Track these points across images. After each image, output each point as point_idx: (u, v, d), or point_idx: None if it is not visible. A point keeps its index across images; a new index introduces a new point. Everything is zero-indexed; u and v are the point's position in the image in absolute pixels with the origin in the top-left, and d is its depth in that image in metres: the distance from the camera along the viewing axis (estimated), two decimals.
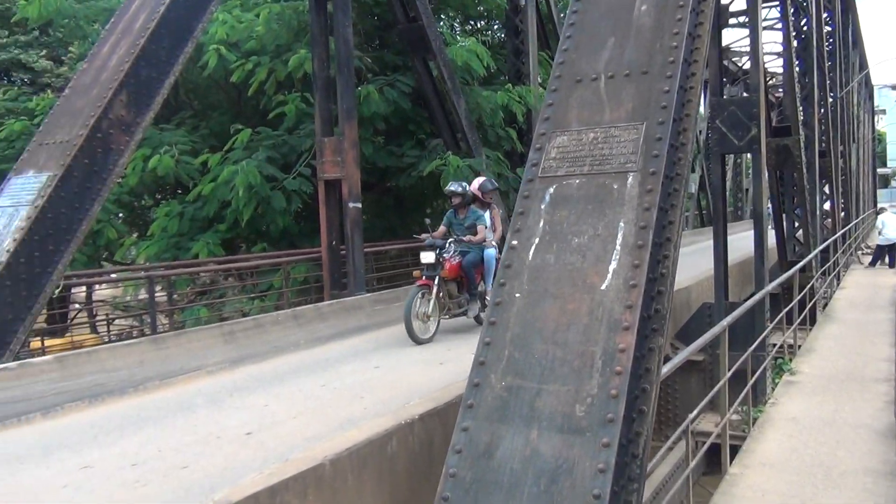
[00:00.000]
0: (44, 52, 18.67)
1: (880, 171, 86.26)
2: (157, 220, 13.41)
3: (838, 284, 16.23)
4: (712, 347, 8.26)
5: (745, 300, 11.34)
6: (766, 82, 10.78)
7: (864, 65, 28.79)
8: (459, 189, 8.51)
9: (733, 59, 31.57)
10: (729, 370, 6.60)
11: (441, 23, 16.42)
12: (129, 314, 13.60)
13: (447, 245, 8.18)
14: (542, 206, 4.08)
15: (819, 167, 16.09)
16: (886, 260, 19.06)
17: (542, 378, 3.52)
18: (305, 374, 6.86)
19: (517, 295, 3.83)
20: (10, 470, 4.52)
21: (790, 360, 9.24)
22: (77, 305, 14.66)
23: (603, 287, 3.66)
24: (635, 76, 4.32)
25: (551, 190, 4.13)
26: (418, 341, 7.70)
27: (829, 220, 17.18)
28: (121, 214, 15.57)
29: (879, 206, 22.99)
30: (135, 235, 16.24)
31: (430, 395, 4.53)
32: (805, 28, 12.29)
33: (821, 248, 12.74)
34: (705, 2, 4.91)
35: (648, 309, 3.83)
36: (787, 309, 8.73)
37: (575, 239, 3.88)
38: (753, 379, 6.70)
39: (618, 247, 3.76)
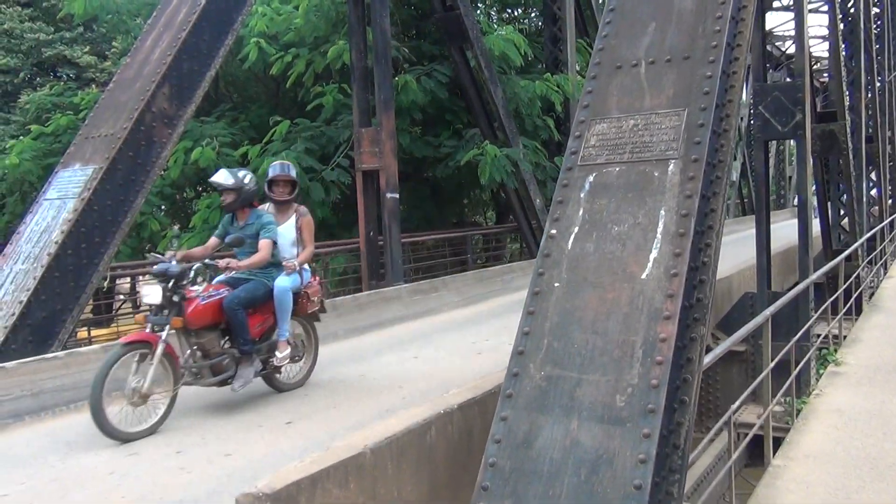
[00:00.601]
0: (88, 47, 19.05)
1: None
2: (199, 212, 13.60)
3: (885, 273, 15.82)
4: (754, 338, 8.15)
5: (789, 290, 11.16)
6: (811, 67, 10.51)
7: None
8: (230, 182, 5.67)
9: (776, 44, 30.87)
10: (772, 361, 6.49)
11: (478, 11, 16.32)
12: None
13: (190, 272, 5.35)
14: (582, 195, 4.04)
15: (866, 153, 15.68)
16: None
17: (581, 368, 3.49)
18: (344, 364, 6.92)
19: (556, 284, 3.80)
20: (60, 456, 4.65)
21: (835, 350, 9.04)
22: (122, 297, 15.02)
23: (643, 276, 3.62)
24: (677, 61, 4.25)
25: (591, 178, 4.08)
26: (118, 437, 4.73)
27: (877, 207, 16.73)
28: (163, 207, 15.84)
29: None
30: (177, 227, 16.51)
31: (468, 384, 4.52)
32: (852, 10, 11.94)
33: (867, 236, 12.42)
34: None
35: (690, 298, 3.77)
36: (832, 299, 8.53)
37: (615, 227, 3.84)
38: (797, 370, 6.57)
39: (658, 235, 3.71)
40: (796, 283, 11.99)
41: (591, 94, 4.41)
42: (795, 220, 12.03)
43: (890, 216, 17.95)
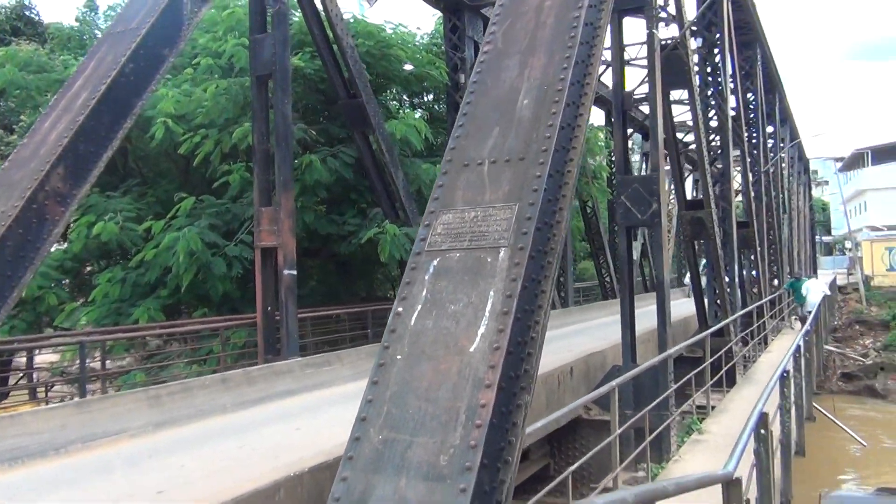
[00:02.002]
0: None
1: (825, 238, 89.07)
2: (100, 286, 13.61)
3: (765, 348, 16.94)
4: (622, 407, 8.74)
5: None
6: (678, 158, 11.59)
7: (795, 139, 30.43)
8: None
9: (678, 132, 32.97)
10: (634, 429, 7.08)
11: (389, 93, 17.15)
12: (66, 380, 13.63)
13: None
14: (426, 277, 4.55)
15: (741, 237, 17.01)
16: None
17: (413, 431, 3.92)
18: (227, 436, 7.13)
19: (398, 357, 4.25)
20: None
21: (700, 420, 9.74)
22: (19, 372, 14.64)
23: (471, 349, 4.11)
24: (514, 162, 4.88)
25: (435, 262, 4.60)
26: None
27: (756, 287, 18.00)
28: (66, 281, 15.69)
29: (797, 272, 23.93)
30: (80, 302, 16.31)
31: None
32: (716, 110, 13.26)
33: (740, 314, 13.42)
34: (585, 96, 5.55)
35: (518, 369, 4.28)
36: (694, 372, 9.25)
37: (451, 306, 4.34)
38: (652, 437, 7.13)
39: (487, 313, 4.22)
40: (679, 357, 12.83)
41: (442, 187, 4.98)
42: (685, 299, 12.87)
43: (770, 295, 19.30)
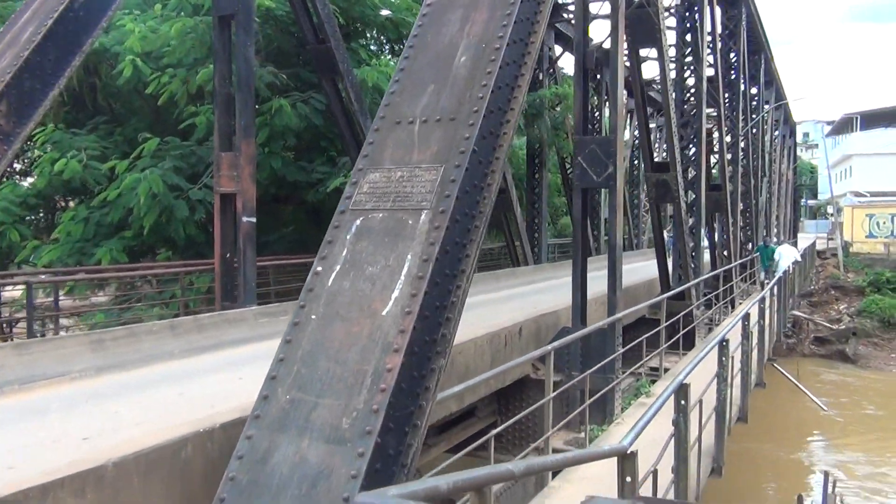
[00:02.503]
0: None
1: (811, 202, 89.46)
2: (62, 224, 13.49)
3: (732, 311, 17.08)
4: (569, 368, 8.82)
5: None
6: (646, 119, 11.45)
7: (781, 102, 30.25)
8: None
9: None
10: (581, 391, 7.17)
11: (363, 42, 16.81)
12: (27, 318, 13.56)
13: None
14: (348, 237, 4.49)
15: (712, 200, 17.00)
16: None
17: (320, 393, 3.91)
18: (169, 383, 7.11)
19: (313, 317, 4.22)
20: None
21: (652, 382, 9.85)
22: None
23: (384, 313, 4.08)
24: (445, 122, 4.78)
25: (358, 222, 4.54)
26: None
27: (726, 251, 18.07)
28: (30, 217, 15.52)
29: (765, 238, 23.99)
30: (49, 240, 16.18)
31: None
32: (691, 70, 13.10)
33: (702, 278, 13.49)
34: (528, 55, 5.42)
35: (434, 333, 4.27)
36: (646, 335, 9.32)
37: (369, 268, 4.30)
38: (592, 399, 7.20)
39: (402, 277, 4.18)
40: (640, 318, 12.92)
41: (372, 145, 4.88)
42: (648, 262, 12.89)
43: (741, 259, 19.39)
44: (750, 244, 22.95)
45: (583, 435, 8.05)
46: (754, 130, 24.19)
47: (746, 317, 8.91)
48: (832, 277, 40.11)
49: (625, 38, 9.30)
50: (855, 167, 63.22)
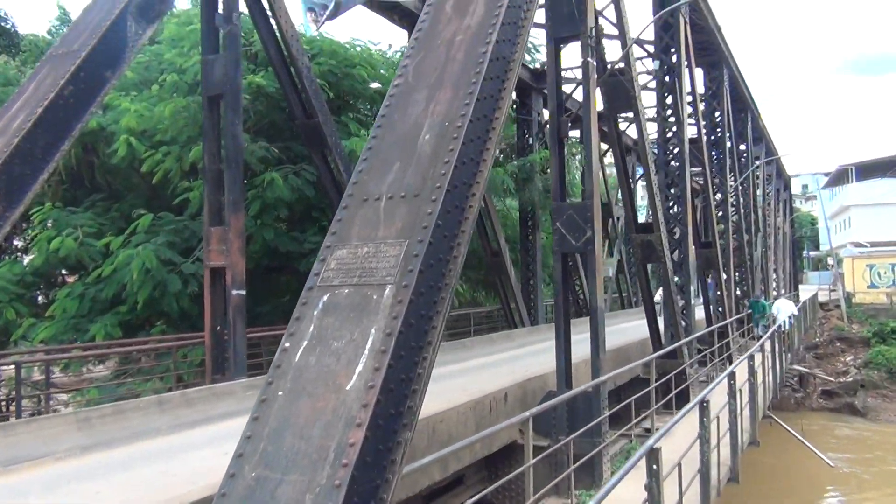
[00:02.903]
0: None
1: (813, 253, 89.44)
2: (58, 301, 13.63)
3: (731, 366, 17.00)
4: (556, 433, 8.80)
5: (618, 386, 11.97)
6: (628, 181, 11.69)
7: (770, 157, 30.68)
8: None
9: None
10: (567, 456, 7.16)
11: (353, 113, 17.24)
12: (25, 395, 13.62)
13: None
14: (315, 313, 4.60)
15: (703, 258, 17.15)
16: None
17: (286, 469, 3.96)
18: (154, 460, 7.13)
19: (280, 393, 4.30)
20: None
21: (640, 444, 9.78)
22: None
23: (348, 387, 4.16)
24: (409, 198, 4.95)
25: (325, 298, 4.66)
26: None
27: (721, 307, 18.12)
28: (27, 295, 15.68)
29: (756, 294, 23.90)
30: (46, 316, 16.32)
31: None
32: (672, 132, 13.40)
33: (695, 335, 13.51)
34: (493, 131, 5.63)
35: (400, 406, 4.34)
36: (635, 397, 9.32)
37: (335, 343, 4.39)
38: (577, 464, 7.18)
39: (366, 351, 4.28)
40: (635, 378, 12.88)
41: (340, 222, 5.04)
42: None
43: (737, 315, 19.40)
44: (746, 299, 22.95)
45: (570, 501, 8.01)
46: (744, 186, 24.49)
47: (732, 375, 8.93)
48: (836, 329, 39.91)
49: (601, 104, 9.59)
50: (854, 218, 63.44)
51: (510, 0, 5.99)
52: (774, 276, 33.92)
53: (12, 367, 14.65)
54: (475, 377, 11.04)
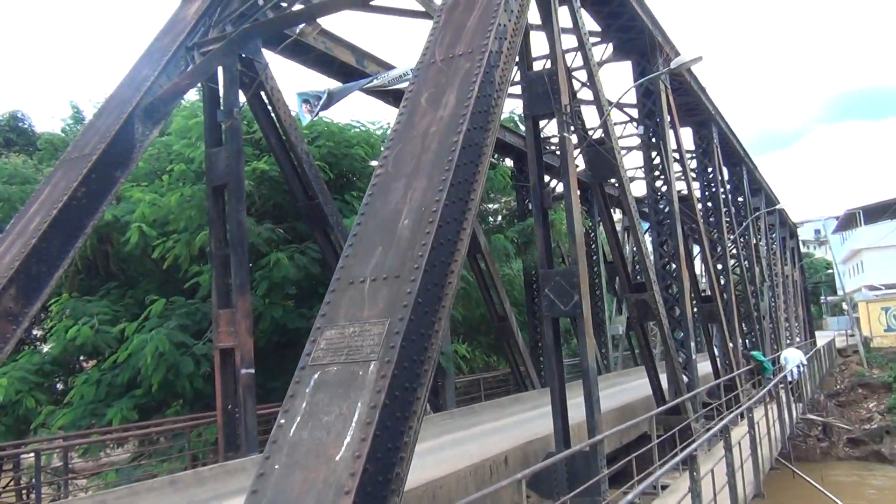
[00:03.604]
0: None
1: (831, 298, 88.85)
2: (76, 388, 14.05)
3: (741, 421, 17.08)
4: (558, 493, 9.01)
5: (620, 447, 12.15)
6: (618, 244, 12.13)
7: (772, 208, 31.11)
8: None
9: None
10: None
11: (354, 192, 17.89)
12: (44, 482, 13.93)
13: None
14: (307, 390, 5.01)
15: (705, 312, 17.42)
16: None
17: None
18: None
19: (276, 466, 4.68)
20: None
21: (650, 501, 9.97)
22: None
23: (337, 458, 4.54)
24: (390, 279, 5.40)
25: (316, 376, 5.07)
26: None
27: (728, 360, 18.25)
28: (46, 383, 16.12)
29: (779, 342, 23.94)
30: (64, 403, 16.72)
31: None
32: (663, 204, 13.91)
33: (698, 391, 13.70)
34: (468, 212, 6.11)
35: (388, 473, 4.71)
36: (634, 455, 9.54)
37: (325, 417, 4.79)
38: None
39: (353, 423, 4.66)
40: (644, 436, 13.04)
41: (329, 304, 5.49)
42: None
43: (742, 369, 19.49)
44: (760, 351, 23.00)
45: None
46: (745, 238, 24.85)
47: (726, 428, 9.16)
48: (857, 375, 39.53)
49: (582, 172, 10.05)
50: (866, 261, 63.29)
51: (479, 90, 6.55)
52: (787, 324, 33.88)
53: (32, 455, 15.13)
54: (482, 442, 11.28)
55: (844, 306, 58.14)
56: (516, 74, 9.34)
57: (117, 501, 8.07)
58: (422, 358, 5.21)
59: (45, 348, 17.23)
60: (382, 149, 6.58)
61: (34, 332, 18.93)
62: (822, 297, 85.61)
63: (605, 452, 8.98)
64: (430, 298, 5.41)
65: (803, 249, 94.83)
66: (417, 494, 7.24)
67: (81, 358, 16.63)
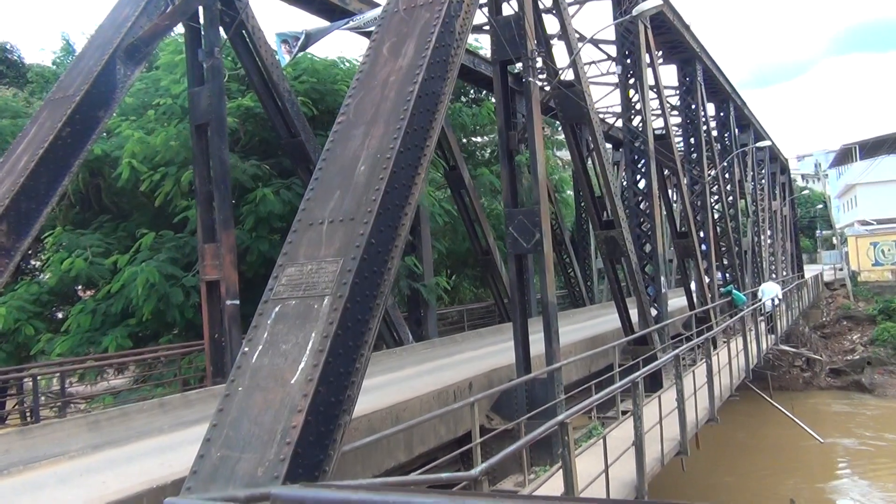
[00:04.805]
0: None
1: (825, 233, 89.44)
2: (72, 317, 14.70)
3: (715, 351, 17.84)
4: (518, 416, 9.71)
5: (588, 377, 12.84)
6: (589, 183, 12.57)
7: (760, 143, 31.27)
8: None
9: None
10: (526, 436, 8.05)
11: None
12: (45, 405, 14.74)
13: None
14: (268, 322, 5.57)
15: (681, 248, 17.96)
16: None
17: (243, 449, 4.93)
18: (154, 455, 8.12)
19: (239, 389, 5.26)
20: None
21: (602, 426, 10.71)
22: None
23: (292, 381, 5.12)
24: (346, 222, 5.89)
25: (277, 309, 5.62)
26: None
27: (703, 294, 18.89)
28: (45, 312, 16.78)
29: (728, 280, 24.31)
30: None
31: None
32: (639, 143, 14.23)
33: (665, 323, 14.33)
34: (423, 157, 6.55)
35: (340, 395, 5.30)
36: (594, 381, 10.22)
37: (283, 346, 5.35)
38: (525, 439, 8.06)
39: (308, 351, 5.23)
40: (609, 367, 13.75)
41: (290, 244, 6.00)
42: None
43: (717, 302, 20.15)
44: (732, 286, 23.61)
45: (525, 473, 8.93)
46: (729, 175, 25.19)
47: (677, 358, 9.81)
48: (843, 308, 40.44)
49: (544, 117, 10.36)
50: (860, 196, 63.56)
51: (437, 41, 6.90)
52: (772, 259, 34.49)
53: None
54: (457, 370, 11.95)
55: (835, 241, 58.82)
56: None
57: (110, 421, 8.75)
58: (374, 293, 5.74)
59: (44, 278, 17.85)
60: (345, 97, 6.96)
61: (33, 262, 19.54)
62: (819, 232, 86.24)
63: (562, 380, 9.63)
64: (383, 239, 5.91)
65: (803, 183, 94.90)
66: (381, 416, 7.89)
67: (79, 288, 17.27)
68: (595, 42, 14.56)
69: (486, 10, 10.04)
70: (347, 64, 18.03)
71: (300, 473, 4.82)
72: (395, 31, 7.18)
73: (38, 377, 10.71)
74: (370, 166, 6.17)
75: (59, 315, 17.59)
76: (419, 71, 6.63)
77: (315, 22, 13.72)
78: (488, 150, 24.59)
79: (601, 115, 24.88)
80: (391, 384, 10.36)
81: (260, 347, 5.43)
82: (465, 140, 22.63)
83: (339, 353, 5.30)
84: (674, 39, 18.74)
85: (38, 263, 19.57)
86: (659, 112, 16.77)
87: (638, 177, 14.71)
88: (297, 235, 6.03)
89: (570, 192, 27.46)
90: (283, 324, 5.50)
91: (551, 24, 11.80)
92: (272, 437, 4.88)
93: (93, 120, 9.47)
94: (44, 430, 8.17)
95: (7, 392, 16.38)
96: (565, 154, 26.45)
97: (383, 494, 2.45)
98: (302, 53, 15.84)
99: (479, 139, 24.18)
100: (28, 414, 14.68)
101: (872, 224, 55.08)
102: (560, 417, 5.83)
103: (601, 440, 9.20)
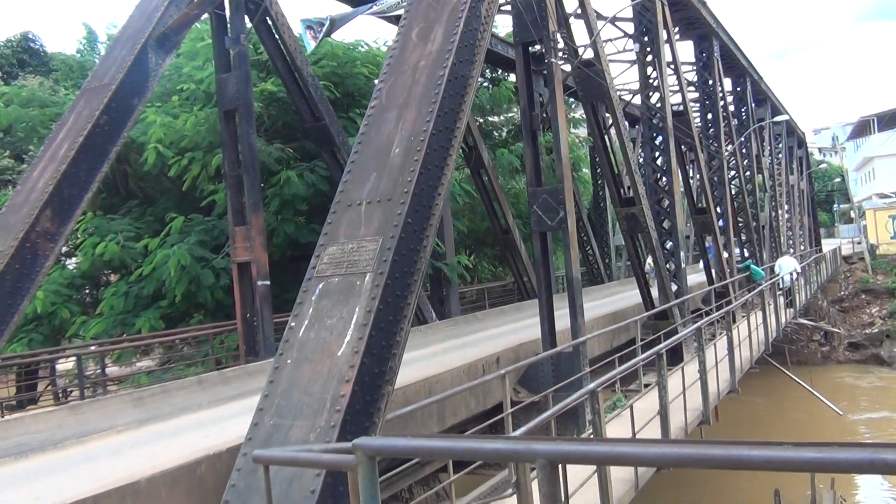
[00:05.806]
0: (7, 151, 20.54)
1: (843, 207, 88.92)
2: (105, 300, 15.14)
3: (735, 324, 18.06)
4: (545, 389, 10.02)
5: (612, 351, 13.10)
6: (609, 162, 12.76)
7: (777, 118, 31.21)
8: None
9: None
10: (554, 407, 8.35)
11: (359, 111, 18.42)
12: (77, 386, 15.23)
13: None
14: (313, 298, 5.87)
15: (699, 223, 18.13)
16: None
17: (294, 417, 5.25)
18: (196, 428, 8.50)
19: (288, 361, 5.59)
20: None
21: (625, 397, 10.98)
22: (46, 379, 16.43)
23: (339, 353, 5.43)
24: (383, 202, 6.17)
25: (320, 286, 5.92)
26: None
27: (721, 269, 19.08)
28: (74, 296, 17.24)
29: (747, 256, 24.38)
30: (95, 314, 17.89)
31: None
32: (657, 120, 14.37)
33: (685, 298, 14.57)
34: (454, 139, 6.81)
35: (383, 366, 5.61)
36: (619, 354, 10.48)
37: (328, 320, 5.66)
38: (558, 408, 8.36)
39: (352, 325, 5.53)
40: (630, 341, 14.02)
41: (330, 224, 6.29)
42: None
43: (736, 277, 20.32)
44: (750, 260, 23.75)
45: None
46: (746, 150, 25.21)
47: (699, 331, 10.05)
48: (861, 282, 40.36)
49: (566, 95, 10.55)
50: (877, 169, 63.13)
51: (465, 25, 7.12)
52: (790, 234, 34.50)
53: (67, 360, 16.37)
54: (481, 346, 12.26)
55: (853, 214, 58.52)
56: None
57: (153, 398, 9.13)
58: (411, 270, 6.03)
59: (71, 263, 18.30)
60: (377, 81, 7.21)
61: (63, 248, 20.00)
62: (836, 205, 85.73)
63: (587, 353, 9.91)
64: (418, 218, 6.19)
65: (820, 157, 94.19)
66: (416, 388, 8.21)
67: (108, 271, 17.69)
68: (613, 20, 14.64)
69: None
70: (365, 47, 18.24)
71: (349, 440, 5.13)
72: (424, 17, 7.40)
73: (81, 356, 11.10)
74: (405, 149, 6.43)
75: (89, 300, 18.06)
76: (448, 55, 6.87)
77: (338, 8, 13.90)
78: (505, 130, 24.75)
79: (619, 93, 24.97)
80: (421, 359, 10.68)
81: (306, 322, 5.74)
82: (481, 120, 22.79)
83: (381, 327, 5.60)
84: (690, 16, 18.78)
85: (66, 249, 20.04)
86: (676, 88, 16.89)
87: (656, 153, 14.88)
88: (336, 216, 6.32)
89: (586, 171, 27.54)
90: (327, 300, 5.80)
91: (569, 3, 11.98)
92: (322, 406, 5.20)
93: (128, 107, 9.77)
94: (92, 406, 8.56)
95: (38, 374, 16.92)
96: (581, 132, 26.60)
97: (453, 441, 2.74)
98: (328, 40, 16.11)
99: (495, 118, 24.33)
100: (61, 395, 15.18)
101: (891, 197, 54.77)
102: (591, 386, 6.10)
103: (628, 409, 9.53)
